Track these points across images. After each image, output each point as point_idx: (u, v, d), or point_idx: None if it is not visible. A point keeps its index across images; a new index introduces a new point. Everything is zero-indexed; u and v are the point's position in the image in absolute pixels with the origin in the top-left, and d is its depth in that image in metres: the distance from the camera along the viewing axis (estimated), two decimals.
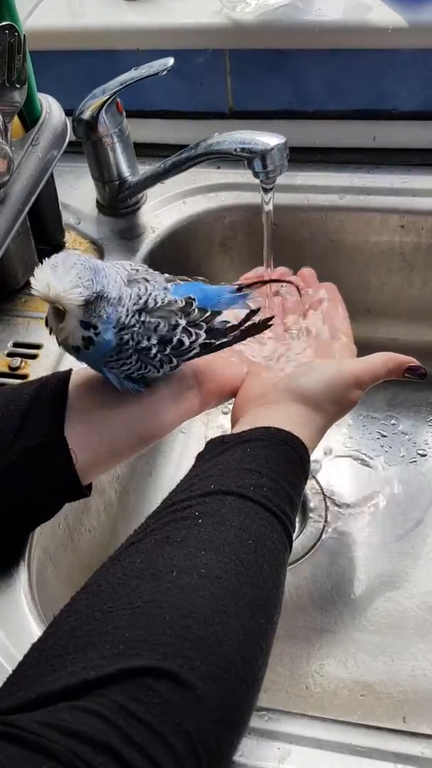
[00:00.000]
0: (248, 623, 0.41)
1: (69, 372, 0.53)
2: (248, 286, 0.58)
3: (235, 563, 0.42)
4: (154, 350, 0.50)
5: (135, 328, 0.49)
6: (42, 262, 0.45)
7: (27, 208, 0.67)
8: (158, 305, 0.50)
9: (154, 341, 0.50)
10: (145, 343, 0.50)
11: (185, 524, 0.45)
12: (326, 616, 0.72)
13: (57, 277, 0.44)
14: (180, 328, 0.51)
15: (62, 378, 0.52)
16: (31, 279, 0.45)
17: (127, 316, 0.48)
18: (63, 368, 0.65)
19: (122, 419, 0.52)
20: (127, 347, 0.49)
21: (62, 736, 0.32)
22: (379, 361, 0.57)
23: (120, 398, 0.52)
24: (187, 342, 0.51)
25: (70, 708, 0.34)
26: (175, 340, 0.51)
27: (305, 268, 0.68)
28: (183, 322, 0.51)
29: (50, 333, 0.49)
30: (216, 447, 0.51)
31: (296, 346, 0.63)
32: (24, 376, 0.66)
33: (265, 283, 0.65)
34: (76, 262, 0.45)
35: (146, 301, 0.50)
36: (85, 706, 0.34)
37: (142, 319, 0.49)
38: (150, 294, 0.50)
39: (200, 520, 0.45)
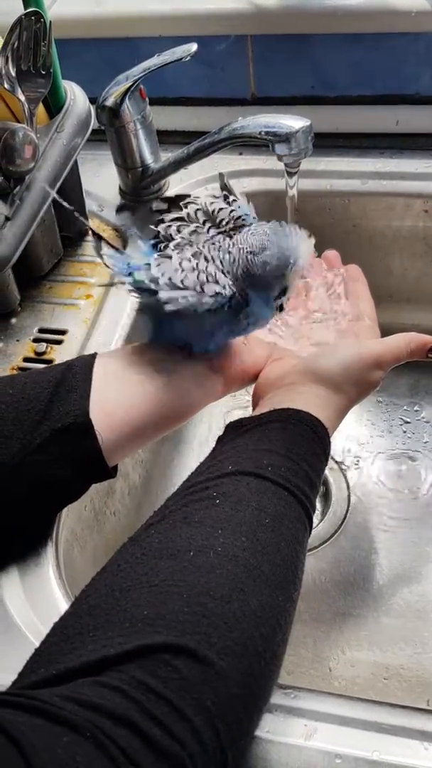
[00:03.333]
0: (266, 600, 0.41)
1: (94, 355, 0.53)
2: None
3: (252, 542, 0.43)
4: None
5: None
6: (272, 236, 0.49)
7: (52, 195, 0.68)
8: None
9: None
10: None
11: (203, 505, 0.45)
12: (349, 600, 0.72)
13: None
14: None
15: (87, 361, 0.53)
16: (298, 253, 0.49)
17: None
18: (88, 353, 0.66)
19: (147, 401, 0.52)
20: None
21: (83, 710, 0.32)
22: (401, 341, 0.56)
23: (145, 381, 0.53)
24: None
25: (90, 683, 0.35)
26: None
27: (329, 251, 0.67)
28: None
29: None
30: (234, 430, 0.52)
31: (318, 329, 0.63)
32: (49, 361, 0.67)
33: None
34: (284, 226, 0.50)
35: None
36: (105, 682, 0.34)
37: None
38: None
39: (217, 501, 0.45)
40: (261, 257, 0.49)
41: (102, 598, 0.40)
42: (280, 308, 0.52)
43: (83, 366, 0.52)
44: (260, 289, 0.50)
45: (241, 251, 0.50)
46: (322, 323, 0.63)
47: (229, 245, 0.51)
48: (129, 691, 0.34)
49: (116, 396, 0.51)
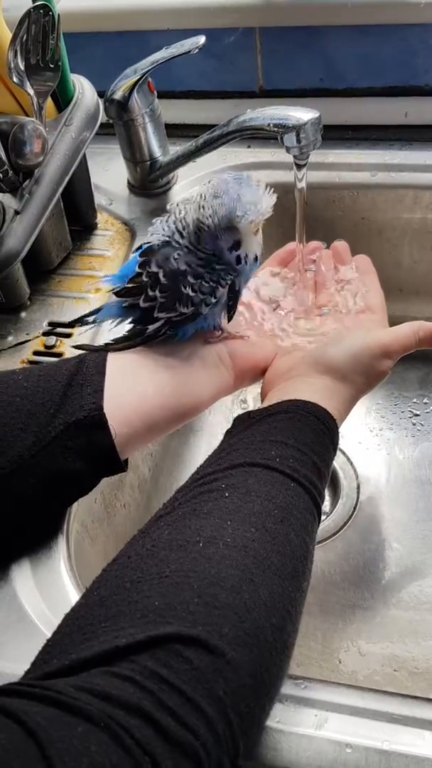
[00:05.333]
0: (276, 590, 0.41)
1: (106, 349, 0.54)
2: None
3: (261, 532, 0.43)
4: None
5: None
6: (221, 187, 0.49)
7: (61, 189, 0.68)
8: None
9: None
10: None
11: (211, 497, 0.45)
12: (358, 593, 0.72)
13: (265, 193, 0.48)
14: None
15: (100, 355, 0.53)
16: (245, 207, 0.47)
17: None
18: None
19: (159, 395, 0.52)
20: None
21: (97, 700, 0.33)
22: (409, 330, 0.56)
23: (156, 374, 0.53)
24: None
25: (102, 674, 0.35)
26: None
27: (338, 242, 0.67)
28: None
29: (241, 262, 0.51)
30: (243, 422, 0.52)
31: (327, 322, 0.63)
32: (59, 355, 0.67)
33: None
34: (246, 178, 0.49)
35: None
36: (118, 672, 0.35)
37: None
38: None
39: (226, 493, 0.45)
40: (211, 205, 0.49)
41: (113, 589, 0.40)
42: (238, 260, 0.51)
43: (96, 359, 0.52)
44: (212, 241, 0.50)
45: (196, 208, 0.50)
46: (330, 316, 0.63)
47: (185, 210, 0.52)
48: (142, 682, 0.34)
49: (129, 390, 0.51)
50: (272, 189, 0.50)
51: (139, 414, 0.51)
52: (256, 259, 0.52)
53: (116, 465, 0.51)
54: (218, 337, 0.57)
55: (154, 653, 0.36)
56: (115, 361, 0.52)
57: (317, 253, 0.67)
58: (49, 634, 0.41)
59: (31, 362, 0.67)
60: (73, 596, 0.51)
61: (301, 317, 0.64)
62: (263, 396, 0.57)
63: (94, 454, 0.50)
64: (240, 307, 0.60)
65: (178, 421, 0.55)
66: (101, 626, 0.38)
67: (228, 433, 0.53)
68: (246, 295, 0.63)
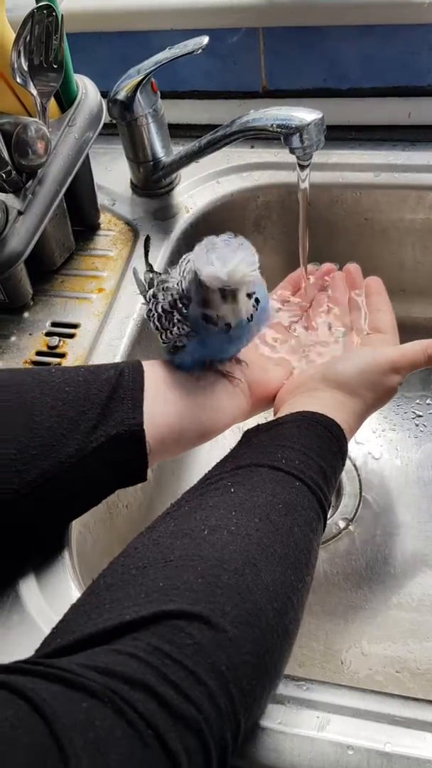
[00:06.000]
0: (278, 577, 0.42)
1: (140, 362, 0.55)
2: None
3: (265, 523, 0.44)
4: None
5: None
6: (195, 252, 0.48)
7: (64, 189, 0.68)
8: None
9: None
10: None
11: (217, 492, 0.47)
12: (361, 594, 0.72)
13: (240, 259, 0.46)
14: None
15: (137, 368, 0.54)
16: (209, 267, 0.46)
17: None
18: (100, 347, 0.67)
19: (188, 416, 0.54)
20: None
21: (101, 676, 0.33)
22: (418, 347, 0.57)
23: (187, 396, 0.54)
24: None
25: (105, 651, 0.36)
26: None
27: (350, 264, 0.68)
28: None
29: (211, 322, 0.50)
30: (251, 433, 0.53)
31: (336, 346, 0.64)
32: (62, 355, 0.67)
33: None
34: (231, 240, 0.48)
35: None
36: (121, 649, 0.35)
37: None
38: None
39: (232, 489, 0.46)
40: (191, 259, 0.50)
41: (119, 576, 0.41)
42: (205, 318, 0.51)
43: (134, 373, 0.53)
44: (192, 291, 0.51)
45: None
46: (341, 339, 0.64)
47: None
48: (145, 657, 0.35)
49: (163, 408, 0.52)
50: (257, 262, 0.48)
51: (170, 431, 0.52)
52: (251, 319, 0.51)
53: (141, 477, 0.53)
54: (219, 370, 0.57)
55: (157, 630, 0.37)
56: (151, 379, 0.53)
57: (330, 275, 0.69)
58: None
59: (33, 362, 0.67)
60: (75, 595, 0.51)
61: (313, 342, 0.65)
62: (275, 413, 0.58)
63: (126, 466, 0.51)
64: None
65: (198, 441, 0.56)
66: (106, 607, 0.39)
67: (237, 444, 0.54)
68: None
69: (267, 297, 0.53)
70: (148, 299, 0.56)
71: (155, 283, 0.56)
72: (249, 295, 0.49)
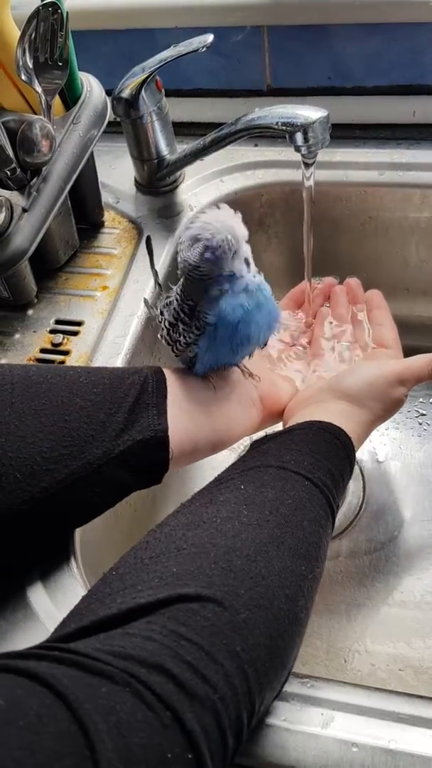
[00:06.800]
0: (289, 566, 0.43)
1: (161, 369, 0.55)
2: None
3: (275, 516, 0.45)
4: None
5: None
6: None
7: (68, 187, 0.68)
8: None
9: None
10: None
11: (228, 489, 0.47)
12: (364, 592, 0.72)
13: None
14: None
15: (160, 375, 0.54)
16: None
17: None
18: (104, 345, 0.67)
19: (206, 426, 0.55)
20: None
21: (118, 659, 0.34)
22: (422, 361, 0.58)
23: (207, 407, 0.55)
24: None
25: (121, 635, 0.36)
26: None
27: (351, 279, 0.70)
28: None
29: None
30: (260, 441, 0.54)
31: (341, 360, 0.65)
32: (66, 352, 0.67)
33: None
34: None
35: None
36: (136, 632, 0.36)
37: None
38: None
39: (242, 486, 0.47)
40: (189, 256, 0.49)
41: (131, 566, 0.42)
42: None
43: (157, 380, 0.54)
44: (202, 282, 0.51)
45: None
46: (346, 354, 0.65)
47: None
48: (161, 640, 0.35)
49: (183, 416, 0.53)
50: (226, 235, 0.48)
51: (191, 439, 0.53)
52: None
53: (158, 481, 0.53)
54: (238, 366, 0.58)
55: (172, 613, 0.37)
56: (172, 387, 0.54)
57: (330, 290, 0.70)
58: None
59: (37, 360, 0.67)
60: (81, 594, 0.51)
61: (318, 357, 0.66)
62: (284, 425, 0.59)
63: (148, 471, 0.52)
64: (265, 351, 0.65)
65: (211, 451, 0.57)
66: (119, 593, 0.39)
67: (246, 451, 0.55)
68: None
69: (273, 299, 0.53)
70: (158, 320, 0.57)
71: (161, 300, 0.56)
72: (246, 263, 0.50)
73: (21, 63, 0.62)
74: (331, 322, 0.68)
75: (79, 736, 0.30)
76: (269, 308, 0.52)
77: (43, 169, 0.66)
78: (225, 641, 0.37)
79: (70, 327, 0.70)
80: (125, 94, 0.72)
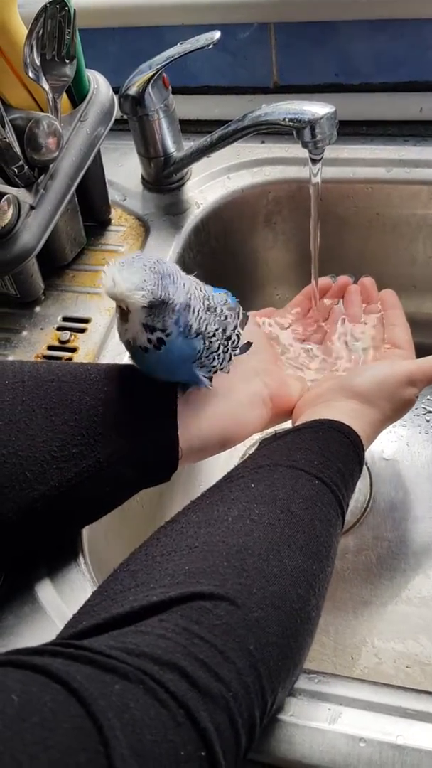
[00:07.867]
0: (300, 565, 0.43)
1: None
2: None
3: (286, 514, 0.45)
4: (221, 347, 0.52)
5: (212, 328, 0.50)
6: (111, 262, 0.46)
7: (75, 184, 0.68)
8: (216, 306, 0.52)
9: (222, 338, 0.52)
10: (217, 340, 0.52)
11: (238, 488, 0.47)
12: (371, 589, 0.72)
13: (123, 277, 0.44)
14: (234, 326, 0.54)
15: None
16: (102, 274, 0.45)
17: (199, 320, 0.49)
18: (110, 343, 0.67)
19: (216, 425, 0.55)
20: (213, 347, 0.51)
21: (131, 657, 0.34)
22: None
23: (219, 406, 0.55)
24: (236, 339, 0.54)
25: (133, 632, 0.36)
26: (234, 336, 0.54)
27: (365, 278, 0.69)
28: (236, 321, 0.54)
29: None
30: (269, 440, 0.54)
31: (353, 360, 0.65)
32: (73, 350, 0.68)
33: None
34: (145, 263, 0.45)
35: (210, 303, 0.51)
36: (149, 630, 0.36)
37: (211, 318, 0.51)
38: (208, 295, 0.52)
39: (252, 484, 0.47)
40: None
41: (142, 563, 0.42)
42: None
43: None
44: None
45: None
46: (359, 353, 0.65)
47: None
48: (173, 638, 0.35)
49: (194, 414, 0.54)
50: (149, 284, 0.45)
51: (199, 438, 0.53)
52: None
53: (166, 479, 0.53)
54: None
55: (184, 611, 0.37)
56: None
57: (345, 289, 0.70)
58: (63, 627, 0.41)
59: (45, 357, 0.67)
60: (89, 590, 0.51)
61: (331, 356, 0.66)
62: (293, 424, 0.59)
63: (157, 469, 0.52)
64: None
65: (220, 449, 0.57)
66: (131, 591, 0.40)
67: (255, 450, 0.55)
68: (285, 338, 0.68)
69: (236, 305, 0.54)
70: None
71: None
72: (146, 326, 0.47)
73: (28, 60, 0.62)
74: (344, 321, 0.68)
75: (93, 732, 0.30)
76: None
77: (51, 166, 0.66)
78: (238, 639, 0.37)
79: (77, 324, 0.70)
80: (132, 91, 0.72)
